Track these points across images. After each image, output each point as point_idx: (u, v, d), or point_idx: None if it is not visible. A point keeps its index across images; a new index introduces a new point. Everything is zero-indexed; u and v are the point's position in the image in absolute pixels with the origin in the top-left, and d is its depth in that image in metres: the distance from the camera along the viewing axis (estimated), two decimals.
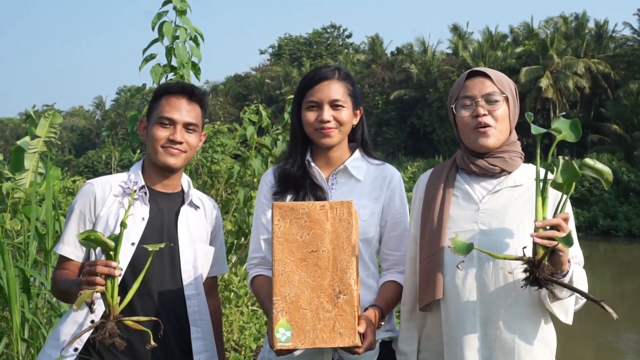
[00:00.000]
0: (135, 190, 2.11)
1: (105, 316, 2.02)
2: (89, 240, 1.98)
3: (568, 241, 1.87)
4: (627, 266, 24.50)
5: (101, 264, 2.00)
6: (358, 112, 2.50)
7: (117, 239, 2.01)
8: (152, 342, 2.02)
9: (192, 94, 2.46)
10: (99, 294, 2.02)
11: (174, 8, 4.40)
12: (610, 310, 1.82)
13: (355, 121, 2.50)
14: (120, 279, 2.10)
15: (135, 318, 2.13)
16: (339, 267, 2.04)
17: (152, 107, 2.48)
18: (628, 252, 27.71)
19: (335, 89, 2.41)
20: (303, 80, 2.47)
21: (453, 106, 2.30)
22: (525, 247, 1.95)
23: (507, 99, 2.23)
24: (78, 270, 2.38)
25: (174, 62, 4.43)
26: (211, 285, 2.64)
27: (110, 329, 1.97)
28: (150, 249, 2.10)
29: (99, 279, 1.99)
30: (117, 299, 2.01)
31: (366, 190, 2.45)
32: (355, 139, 2.55)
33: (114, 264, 2.00)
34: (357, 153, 2.51)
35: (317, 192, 2.42)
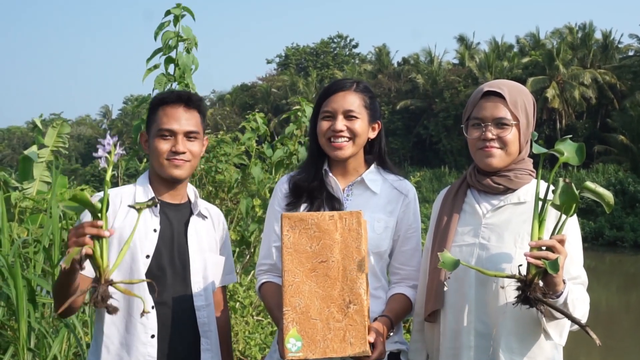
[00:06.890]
0: (116, 145, 2.03)
1: (96, 280, 1.97)
2: (75, 200, 1.93)
3: (554, 267, 1.86)
4: (632, 277, 24.36)
5: (88, 225, 1.94)
6: (376, 125, 2.50)
7: (102, 200, 1.97)
8: (147, 309, 2.03)
9: (188, 101, 2.41)
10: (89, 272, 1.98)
11: (171, 13, 4.37)
12: (594, 336, 1.85)
13: (372, 135, 2.49)
14: (114, 250, 2.15)
15: (127, 280, 2.14)
16: (349, 277, 2.06)
17: (151, 120, 2.44)
18: (634, 263, 27.54)
19: (350, 100, 2.42)
20: (321, 92, 2.49)
21: (464, 125, 2.32)
22: (520, 265, 1.97)
23: (518, 124, 2.22)
24: (82, 282, 2.27)
25: (171, 71, 4.42)
26: (221, 295, 2.63)
27: (102, 292, 1.93)
28: (137, 207, 2.11)
29: (87, 239, 1.92)
30: (107, 261, 1.97)
31: (381, 203, 2.45)
32: (373, 152, 2.54)
33: (100, 223, 1.95)
34: (373, 167, 2.51)
35: (333, 203, 2.41)
